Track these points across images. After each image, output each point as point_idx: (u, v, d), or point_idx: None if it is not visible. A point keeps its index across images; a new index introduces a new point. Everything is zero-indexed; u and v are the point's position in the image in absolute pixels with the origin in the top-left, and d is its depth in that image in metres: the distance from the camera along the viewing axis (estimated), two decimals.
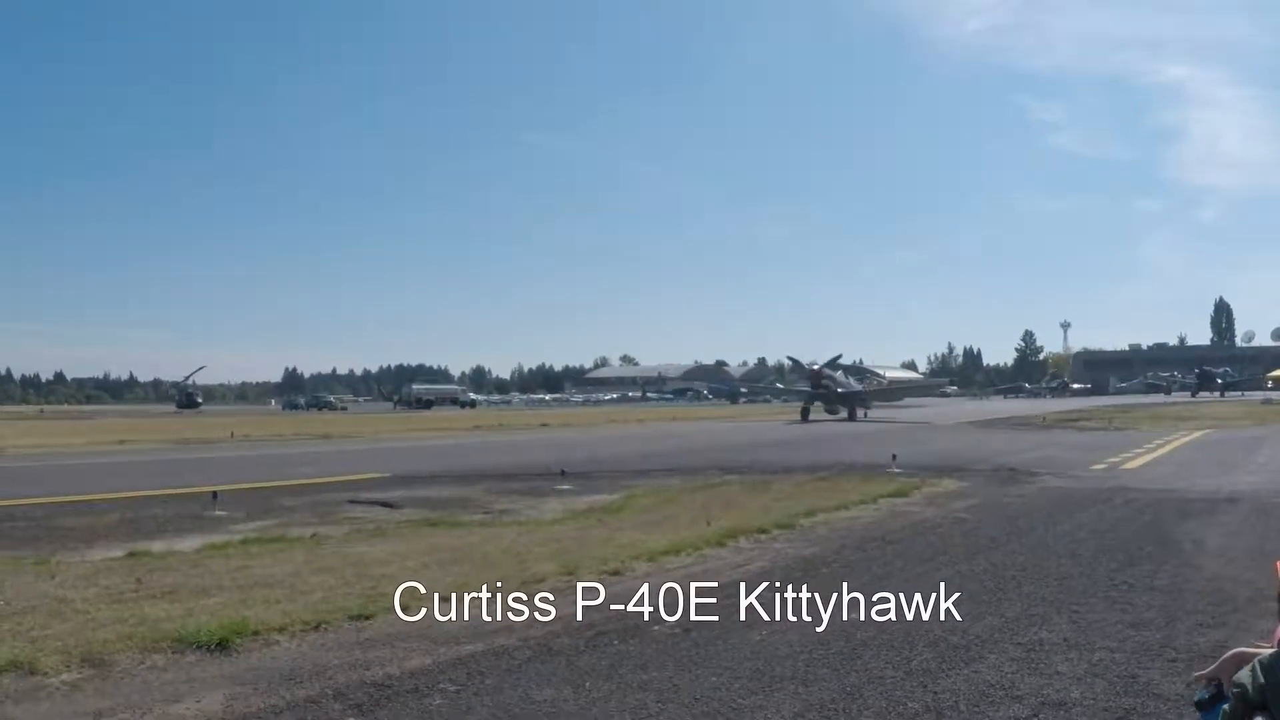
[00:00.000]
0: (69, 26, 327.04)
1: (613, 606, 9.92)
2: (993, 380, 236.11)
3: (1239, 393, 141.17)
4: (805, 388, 76.34)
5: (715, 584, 11.05)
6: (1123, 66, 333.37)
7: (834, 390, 73.08)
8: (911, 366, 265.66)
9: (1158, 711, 6.64)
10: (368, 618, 9.22)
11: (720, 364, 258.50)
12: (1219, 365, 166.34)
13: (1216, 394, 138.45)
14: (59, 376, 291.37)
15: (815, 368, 75.01)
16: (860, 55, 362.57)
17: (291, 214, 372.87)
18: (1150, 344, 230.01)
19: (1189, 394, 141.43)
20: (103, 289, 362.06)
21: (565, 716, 6.63)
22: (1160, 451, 33.31)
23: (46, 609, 9.35)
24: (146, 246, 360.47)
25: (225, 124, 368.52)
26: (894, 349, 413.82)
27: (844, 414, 70.26)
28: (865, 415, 71.86)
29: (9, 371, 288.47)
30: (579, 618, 9.46)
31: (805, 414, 71.45)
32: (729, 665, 7.77)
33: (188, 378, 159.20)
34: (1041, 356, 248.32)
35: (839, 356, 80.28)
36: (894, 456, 26.89)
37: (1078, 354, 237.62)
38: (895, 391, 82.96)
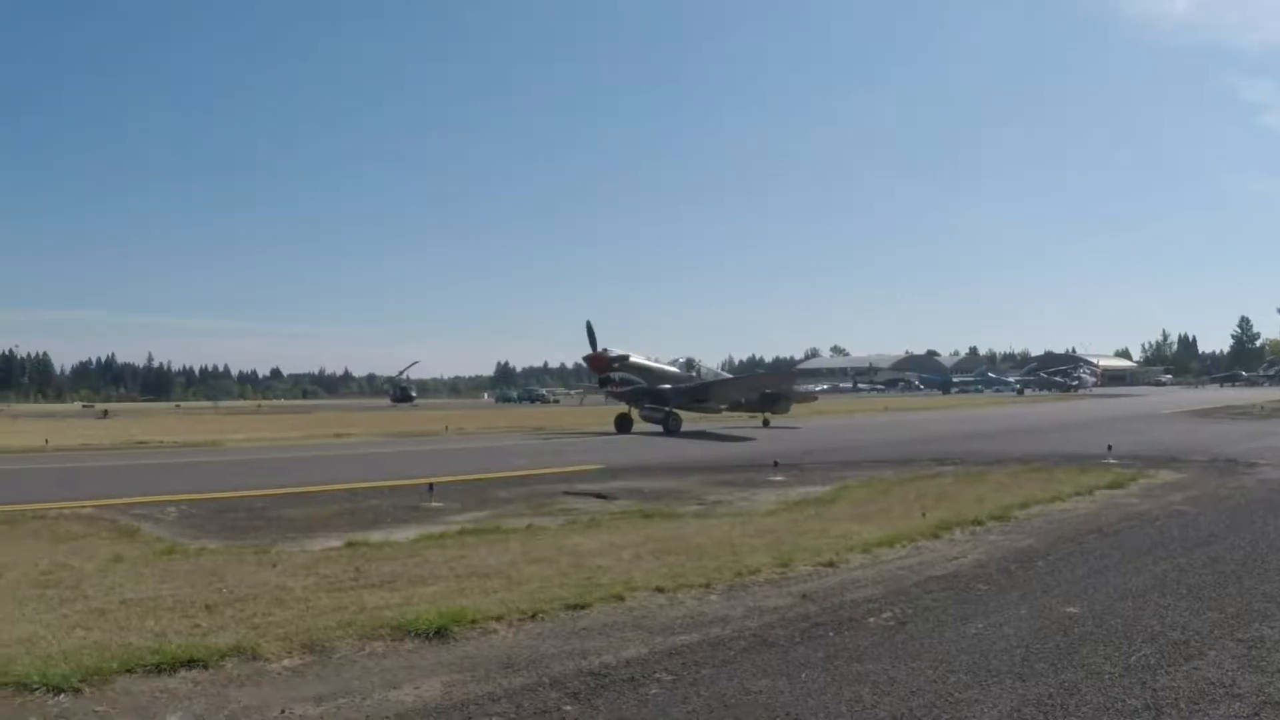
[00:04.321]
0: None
1: (828, 599, 9.89)
2: (1208, 368, 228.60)
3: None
4: (618, 387, 48.62)
5: (931, 576, 10.99)
6: None
7: (646, 385, 47.23)
8: (1125, 355, 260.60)
9: None
10: (584, 607, 9.33)
11: (931, 353, 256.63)
12: None
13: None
14: (275, 372, 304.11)
15: (599, 352, 47.67)
16: (1064, 36, 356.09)
17: (504, 212, 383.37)
18: None
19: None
20: (318, 286, 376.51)
21: (781, 707, 6.59)
22: None
23: (268, 596, 9.70)
24: (360, 245, 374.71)
25: (433, 123, 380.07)
26: (1107, 337, 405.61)
27: (665, 418, 45.10)
28: (766, 423, 50.27)
29: (227, 367, 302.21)
30: (794, 609, 9.44)
31: (623, 423, 47.34)
32: (945, 658, 7.67)
33: (402, 372, 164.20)
34: (1259, 343, 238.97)
35: (589, 324, 47.79)
36: (1109, 447, 26.46)
37: None
38: (735, 383, 51.75)
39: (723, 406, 49.51)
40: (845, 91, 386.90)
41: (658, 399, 46.51)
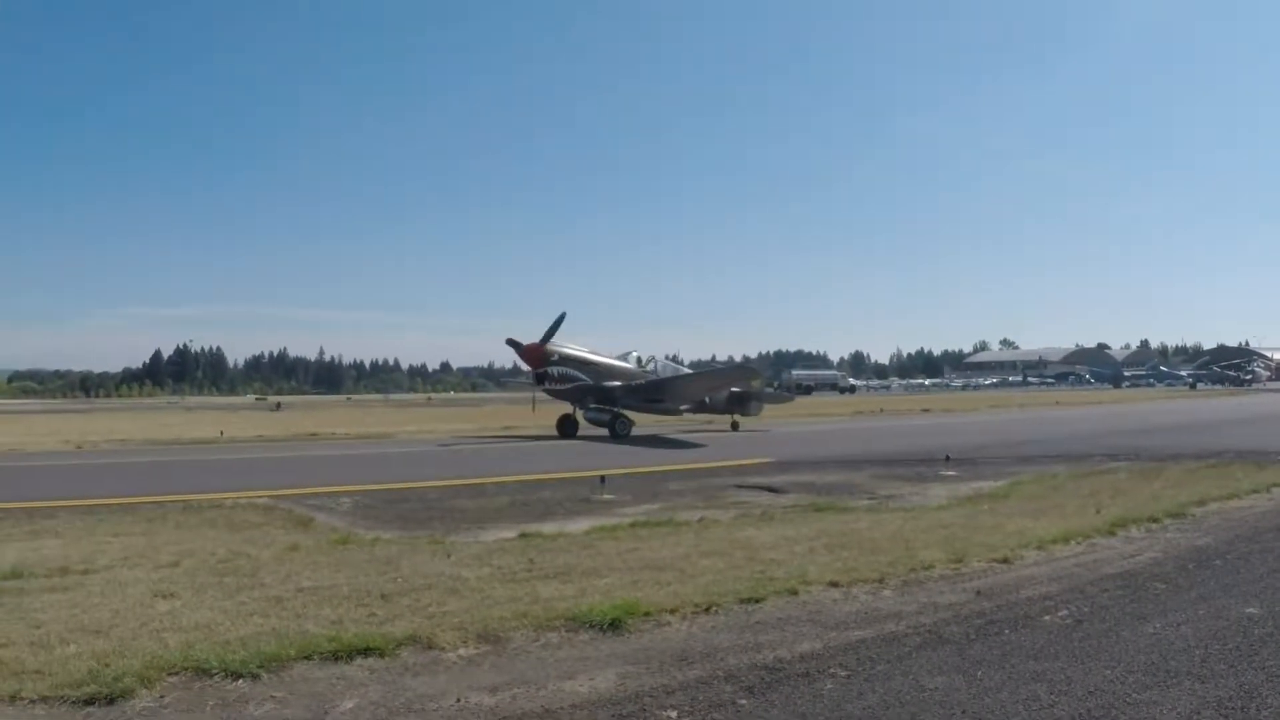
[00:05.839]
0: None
1: (1003, 595, 9.84)
2: None
3: None
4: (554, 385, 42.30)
5: (1106, 574, 10.85)
6: None
7: (590, 383, 41.60)
8: None
9: None
10: (757, 601, 9.38)
11: (1102, 346, 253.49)
12: None
13: None
14: (445, 366, 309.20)
15: (534, 344, 41.65)
16: (1231, 23, 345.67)
17: (669, 205, 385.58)
18: None
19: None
20: (486, 281, 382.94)
21: (957, 705, 6.57)
22: None
23: (442, 586, 9.93)
24: (530, 242, 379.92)
25: (601, 121, 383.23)
26: None
27: (611, 420, 39.88)
28: (735, 426, 45.33)
29: (397, 361, 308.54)
30: (969, 606, 9.40)
31: (566, 426, 42.38)
32: (1122, 658, 7.58)
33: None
34: None
35: (562, 317, 42.00)
36: None
37: None
38: (689, 380, 44.30)
39: (683, 408, 44.49)
40: (1002, 77, 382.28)
41: (604, 398, 41.46)
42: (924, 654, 7.78)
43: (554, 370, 41.45)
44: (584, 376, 41.67)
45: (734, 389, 45.97)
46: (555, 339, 41.71)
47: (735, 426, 45.44)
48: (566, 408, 42.99)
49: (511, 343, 42.20)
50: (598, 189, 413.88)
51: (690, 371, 46.90)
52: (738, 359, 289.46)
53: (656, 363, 44.83)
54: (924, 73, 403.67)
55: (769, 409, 49.49)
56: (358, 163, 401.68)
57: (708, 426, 45.47)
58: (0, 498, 18.32)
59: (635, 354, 44.43)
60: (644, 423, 42.23)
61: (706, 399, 44.89)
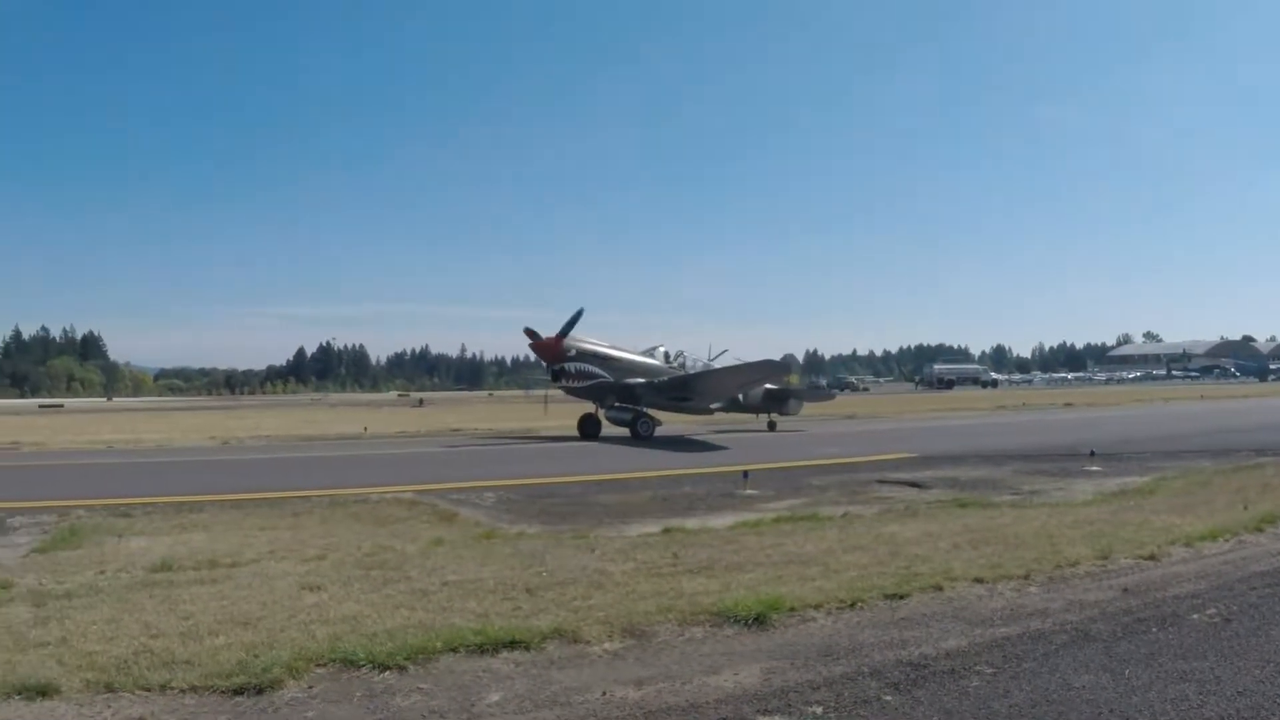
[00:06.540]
0: None
1: (1150, 593, 9.72)
2: None
3: None
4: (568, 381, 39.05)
5: (1255, 572, 10.67)
6: None
7: (611, 380, 38.66)
8: None
9: None
10: (902, 597, 9.37)
11: (1247, 339, 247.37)
12: None
13: None
14: None
15: (549, 337, 39.04)
16: None
17: (811, 202, 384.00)
18: None
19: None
20: (629, 277, 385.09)
21: (1104, 704, 6.51)
22: None
23: (587, 580, 10.04)
24: (668, 240, 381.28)
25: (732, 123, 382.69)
26: None
27: (633, 419, 37.50)
28: (772, 425, 43.08)
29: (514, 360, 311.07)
30: (1115, 603, 9.30)
31: (589, 425, 39.57)
32: (1272, 658, 7.47)
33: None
34: None
35: (579, 313, 39.31)
36: None
37: None
38: (717, 375, 40.32)
39: (714, 406, 41.59)
40: (1137, 64, 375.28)
41: (626, 396, 38.68)
42: (1071, 652, 7.74)
43: (571, 367, 38.61)
44: (604, 373, 38.91)
45: (769, 386, 43.30)
46: (574, 333, 39.18)
47: (772, 426, 43.33)
48: (588, 407, 40.55)
49: (529, 333, 39.66)
50: (739, 189, 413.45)
51: (719, 367, 42.17)
52: (879, 354, 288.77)
53: (685, 358, 42.18)
54: (1060, 62, 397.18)
55: (809, 407, 48.08)
56: (499, 160, 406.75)
57: (743, 427, 43.76)
58: (149, 492, 18.99)
59: (663, 349, 42.07)
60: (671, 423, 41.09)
61: (740, 397, 42.32)
